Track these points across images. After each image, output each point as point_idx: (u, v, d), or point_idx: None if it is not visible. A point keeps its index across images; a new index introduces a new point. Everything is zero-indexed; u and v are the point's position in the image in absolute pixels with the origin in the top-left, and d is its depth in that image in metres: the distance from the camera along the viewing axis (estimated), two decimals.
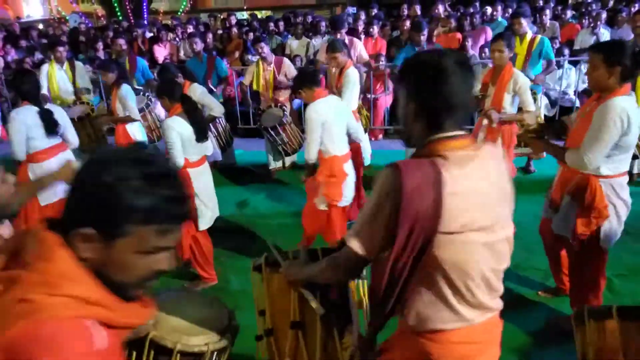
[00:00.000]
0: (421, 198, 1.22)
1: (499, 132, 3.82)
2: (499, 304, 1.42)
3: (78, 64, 5.77)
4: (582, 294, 2.68)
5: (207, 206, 3.33)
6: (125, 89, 4.50)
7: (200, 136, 3.16)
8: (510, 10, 7.34)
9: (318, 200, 3.38)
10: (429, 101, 1.28)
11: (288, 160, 5.70)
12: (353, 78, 4.24)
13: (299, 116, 5.83)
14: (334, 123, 3.33)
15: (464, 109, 1.32)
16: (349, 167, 3.42)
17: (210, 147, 3.59)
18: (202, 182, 3.28)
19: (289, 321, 1.72)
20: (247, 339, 2.78)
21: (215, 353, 1.69)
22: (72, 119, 4.92)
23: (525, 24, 5.04)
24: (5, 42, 9.38)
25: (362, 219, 1.34)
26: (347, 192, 3.40)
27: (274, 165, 5.51)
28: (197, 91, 4.34)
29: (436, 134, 1.30)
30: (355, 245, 1.33)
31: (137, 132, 4.73)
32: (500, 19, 7.10)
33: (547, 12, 6.78)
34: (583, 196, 2.46)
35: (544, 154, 2.66)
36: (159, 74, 5.04)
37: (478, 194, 1.27)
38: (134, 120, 4.61)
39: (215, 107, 4.44)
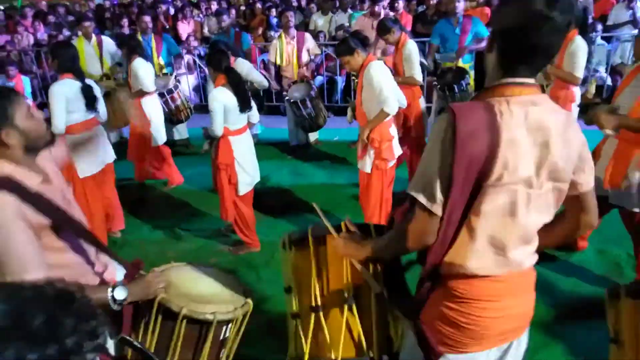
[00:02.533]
0: (475, 142, 1.19)
1: (554, 97, 3.77)
2: (533, 259, 1.41)
3: (105, 39, 5.79)
4: None
5: (247, 171, 3.49)
6: (137, 62, 4.44)
7: (244, 106, 3.33)
8: None
9: (362, 163, 3.42)
10: (509, 38, 1.24)
11: (311, 137, 5.72)
12: (415, 51, 4.27)
13: (320, 93, 5.82)
14: (390, 82, 3.34)
15: (543, 57, 1.26)
16: (393, 130, 3.44)
17: (256, 115, 3.73)
18: (242, 148, 3.45)
19: (341, 298, 1.66)
20: (271, 309, 2.82)
21: (225, 326, 1.70)
22: None
23: None
24: (34, 20, 9.54)
25: (421, 170, 1.30)
26: (396, 151, 3.45)
27: (313, 137, 5.70)
28: (244, 66, 4.50)
29: (506, 78, 1.26)
30: (419, 196, 1.28)
31: (152, 107, 4.63)
32: None
33: None
34: None
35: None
36: (209, 47, 5.06)
37: (531, 143, 1.24)
38: (146, 93, 4.53)
39: (261, 82, 4.70)
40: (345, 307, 1.67)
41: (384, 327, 1.72)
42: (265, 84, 4.80)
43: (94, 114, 3.50)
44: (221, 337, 1.73)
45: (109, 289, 1.55)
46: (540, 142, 1.25)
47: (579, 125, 1.35)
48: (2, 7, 11.27)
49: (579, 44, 3.72)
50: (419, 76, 4.34)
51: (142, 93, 4.51)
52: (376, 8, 5.29)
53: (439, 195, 1.26)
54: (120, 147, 5.00)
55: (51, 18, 9.84)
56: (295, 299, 1.79)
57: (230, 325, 1.73)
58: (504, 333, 1.42)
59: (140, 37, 5.46)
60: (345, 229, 1.68)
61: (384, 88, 3.18)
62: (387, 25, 4.31)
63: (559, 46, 1.27)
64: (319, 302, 1.69)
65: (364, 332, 1.69)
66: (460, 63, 4.91)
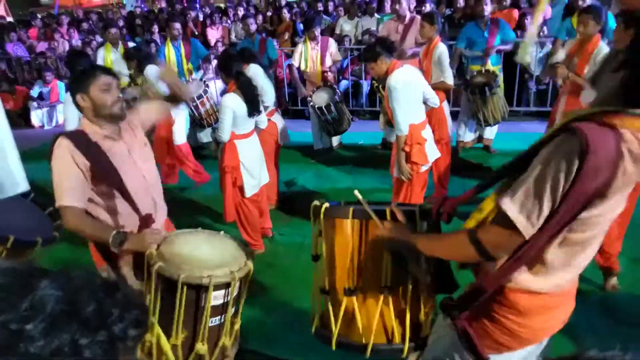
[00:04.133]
0: (597, 179, 1.11)
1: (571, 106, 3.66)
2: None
3: (132, 46, 6.00)
4: None
5: (252, 175, 3.54)
6: (149, 69, 4.48)
7: (252, 111, 3.40)
8: None
9: (398, 172, 3.41)
10: None
11: (335, 141, 5.74)
12: (445, 54, 4.24)
13: (345, 97, 5.84)
14: (414, 91, 3.33)
15: None
16: (426, 133, 3.41)
17: (264, 120, 3.79)
18: (248, 152, 3.49)
19: (378, 285, 1.65)
20: (295, 309, 2.84)
21: (224, 290, 1.67)
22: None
23: (589, 0, 4.77)
24: (69, 27, 9.90)
25: (528, 187, 1.18)
26: (430, 154, 3.43)
27: (336, 141, 5.73)
28: (252, 71, 4.29)
29: (630, 108, 1.13)
30: (518, 217, 1.19)
31: (177, 109, 4.75)
32: None
33: None
34: None
35: None
36: (221, 54, 5.14)
37: (633, 177, 1.18)
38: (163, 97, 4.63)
39: (262, 87, 4.35)
40: (382, 296, 1.65)
41: (416, 314, 1.73)
42: (268, 94, 4.37)
43: None
44: (221, 302, 1.70)
45: (114, 232, 1.82)
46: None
47: None
48: (39, 15, 11.71)
49: (602, 49, 3.62)
50: (450, 80, 4.25)
51: (158, 96, 4.60)
52: (400, 10, 5.24)
53: (537, 222, 1.19)
54: None
55: (85, 25, 10.19)
56: (325, 273, 1.77)
57: (230, 289, 1.69)
58: (550, 333, 1.45)
59: (169, 44, 5.62)
60: (390, 216, 1.61)
61: (397, 109, 3.19)
62: (434, 18, 4.26)
63: None
64: (355, 285, 1.68)
65: (397, 319, 1.69)
66: (489, 65, 4.86)
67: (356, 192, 1.73)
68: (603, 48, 3.65)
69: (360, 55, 6.60)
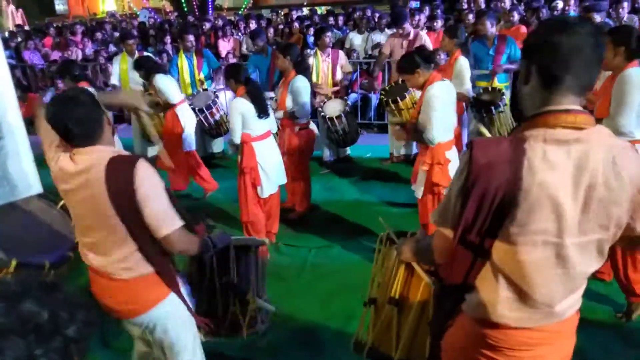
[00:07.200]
0: (492, 175, 1.16)
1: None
2: (578, 305, 1.32)
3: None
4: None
5: (269, 176, 3.66)
6: (157, 78, 4.54)
7: (261, 112, 3.51)
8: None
9: (416, 187, 3.35)
10: (542, 60, 1.18)
11: (341, 153, 5.75)
12: (466, 66, 4.31)
13: (354, 110, 5.86)
14: (450, 108, 3.22)
15: (585, 79, 1.18)
16: (451, 154, 3.21)
17: (274, 123, 3.88)
18: (264, 154, 3.63)
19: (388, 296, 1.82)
20: (302, 321, 2.82)
21: None
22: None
23: (599, 19, 4.78)
24: (83, 36, 10.07)
25: (444, 197, 1.34)
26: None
27: (343, 153, 5.79)
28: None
29: (544, 107, 1.19)
30: (437, 218, 1.34)
31: (186, 115, 4.77)
32: (572, 13, 6.76)
33: (625, 5, 6.36)
34: None
35: None
36: (227, 66, 5.20)
37: (574, 188, 1.14)
38: (172, 104, 4.65)
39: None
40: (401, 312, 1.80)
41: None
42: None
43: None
44: None
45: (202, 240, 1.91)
46: (585, 186, 1.15)
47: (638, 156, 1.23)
48: (54, 25, 11.94)
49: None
50: (469, 93, 4.35)
51: (171, 105, 4.67)
52: (406, 26, 5.28)
53: (451, 221, 1.29)
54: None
55: (98, 35, 10.35)
56: (374, 288, 1.95)
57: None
58: None
59: (182, 55, 5.70)
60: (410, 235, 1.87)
61: (433, 118, 3.03)
62: (455, 31, 4.35)
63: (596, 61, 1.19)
64: (397, 296, 1.80)
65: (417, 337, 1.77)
66: (496, 83, 4.85)
67: (381, 219, 1.99)
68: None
69: (369, 68, 6.64)
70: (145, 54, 6.10)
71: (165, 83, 4.61)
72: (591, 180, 1.15)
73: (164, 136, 4.76)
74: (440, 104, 3.03)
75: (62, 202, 2.37)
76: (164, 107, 4.68)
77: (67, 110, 1.63)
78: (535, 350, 1.32)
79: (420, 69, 3.09)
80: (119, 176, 1.63)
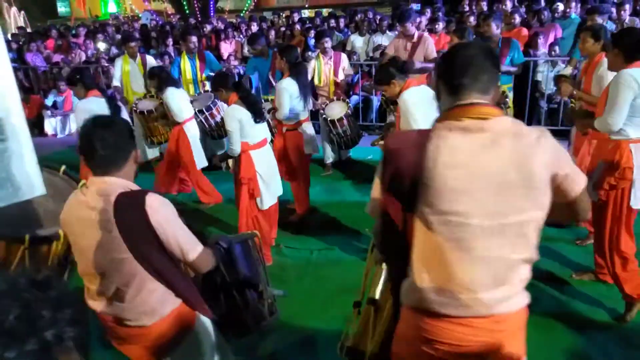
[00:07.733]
0: (401, 157, 1.33)
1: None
2: (511, 304, 1.32)
3: (149, 58, 6.07)
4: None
5: (268, 186, 3.54)
6: (169, 93, 4.47)
7: (257, 117, 3.41)
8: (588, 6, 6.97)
9: None
10: (444, 74, 1.39)
11: (342, 155, 5.76)
12: None
13: (355, 112, 5.87)
14: (425, 111, 3.21)
15: (483, 80, 1.33)
16: None
17: (268, 130, 3.77)
18: (263, 162, 3.50)
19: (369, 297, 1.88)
20: (302, 325, 2.81)
21: None
22: (141, 112, 5.25)
23: (601, 21, 4.78)
24: (86, 38, 10.09)
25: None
26: None
27: (344, 156, 5.85)
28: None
29: (452, 103, 1.35)
30: (373, 187, 1.52)
31: (193, 131, 4.72)
32: (573, 15, 6.77)
33: (627, 7, 6.37)
34: (613, 158, 2.75)
35: None
36: (213, 76, 5.17)
37: (481, 172, 1.25)
38: (178, 123, 4.58)
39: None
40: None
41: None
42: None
43: None
44: None
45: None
46: (493, 170, 1.25)
47: (549, 142, 1.30)
48: (57, 26, 11.96)
49: (604, 66, 3.52)
50: None
51: (174, 123, 4.60)
52: (409, 26, 5.26)
53: (377, 193, 1.52)
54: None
55: (100, 37, 10.38)
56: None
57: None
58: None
59: (185, 57, 5.71)
60: None
61: (412, 121, 3.07)
62: (463, 33, 4.39)
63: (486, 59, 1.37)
64: (377, 297, 1.84)
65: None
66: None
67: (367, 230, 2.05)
68: (603, 63, 3.52)
69: (371, 70, 6.66)
70: (149, 57, 6.12)
71: (175, 100, 4.47)
72: (499, 165, 1.25)
73: (168, 146, 4.74)
74: (414, 107, 3.12)
75: (63, 167, 2.45)
76: (172, 121, 4.61)
77: (101, 131, 1.61)
78: (471, 348, 1.31)
79: (396, 79, 3.21)
80: (129, 211, 1.57)
